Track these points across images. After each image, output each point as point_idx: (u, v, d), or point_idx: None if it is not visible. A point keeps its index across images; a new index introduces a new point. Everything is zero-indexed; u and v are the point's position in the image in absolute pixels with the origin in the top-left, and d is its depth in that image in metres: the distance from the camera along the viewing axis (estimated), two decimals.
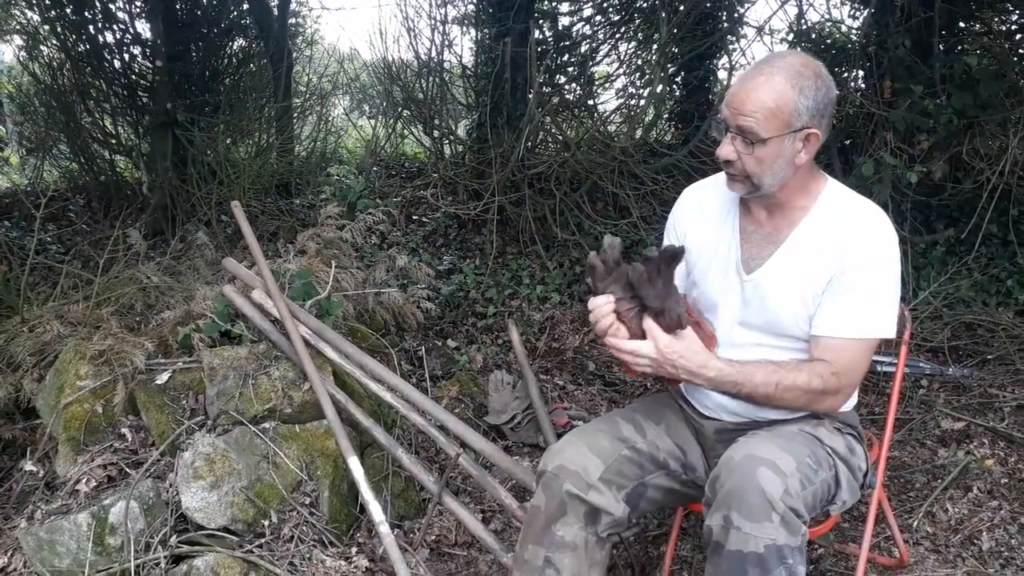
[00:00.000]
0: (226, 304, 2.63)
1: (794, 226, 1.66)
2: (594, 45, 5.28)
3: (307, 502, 2.27)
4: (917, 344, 3.49)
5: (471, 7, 5.28)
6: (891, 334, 1.61)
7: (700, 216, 1.80)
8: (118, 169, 5.50)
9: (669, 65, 5.12)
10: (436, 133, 5.03)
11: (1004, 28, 4.55)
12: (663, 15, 4.38)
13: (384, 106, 6.05)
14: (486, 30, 4.99)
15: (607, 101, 6.22)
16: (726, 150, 1.59)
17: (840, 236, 1.60)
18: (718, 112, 1.64)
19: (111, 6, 5.31)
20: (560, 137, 4.75)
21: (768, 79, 1.53)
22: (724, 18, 5.40)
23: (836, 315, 1.59)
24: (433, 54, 5.01)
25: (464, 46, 12.30)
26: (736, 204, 1.75)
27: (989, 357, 3.41)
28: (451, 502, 2.26)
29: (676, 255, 1.48)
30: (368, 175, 5.31)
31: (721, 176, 1.78)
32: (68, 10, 5.24)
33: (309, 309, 2.62)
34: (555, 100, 4.87)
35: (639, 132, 4.79)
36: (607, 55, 5.37)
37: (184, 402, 2.44)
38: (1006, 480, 2.57)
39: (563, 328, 3.86)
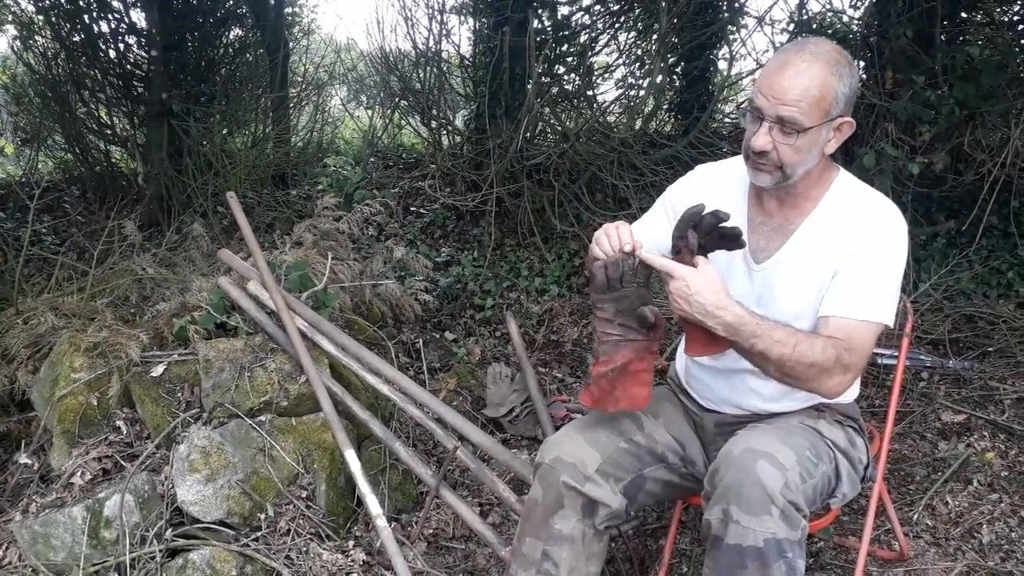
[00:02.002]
0: (222, 296, 2.61)
1: (804, 216, 1.64)
2: (593, 35, 5.24)
3: (304, 495, 2.26)
4: (918, 336, 3.47)
5: None
6: (891, 322, 1.59)
7: (709, 199, 1.76)
8: (113, 160, 5.46)
9: (669, 55, 5.09)
10: (434, 124, 5.00)
11: (1006, 19, 4.51)
12: (663, 4, 4.34)
13: (381, 96, 6.01)
14: (484, 19, 4.95)
15: (606, 91, 6.17)
16: (762, 140, 1.52)
17: (851, 225, 1.59)
18: (748, 101, 1.58)
19: None
20: (559, 128, 4.72)
21: (809, 67, 1.48)
22: (724, 8, 5.36)
23: (847, 296, 1.56)
24: (431, 44, 4.97)
25: (462, 36, 12.27)
26: (745, 193, 1.72)
27: (990, 350, 3.39)
28: (449, 495, 2.25)
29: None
30: (365, 166, 5.28)
31: (731, 162, 1.77)
32: None
33: (305, 301, 2.61)
34: (554, 90, 4.84)
35: (639, 123, 4.77)
36: (606, 45, 5.33)
37: (179, 395, 2.42)
38: (1006, 473, 2.56)
39: (562, 320, 3.84)
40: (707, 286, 1.46)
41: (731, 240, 1.50)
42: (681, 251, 1.51)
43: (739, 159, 1.69)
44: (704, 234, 1.50)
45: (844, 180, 1.66)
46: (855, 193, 1.64)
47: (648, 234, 1.85)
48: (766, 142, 1.52)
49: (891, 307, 1.57)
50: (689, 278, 1.46)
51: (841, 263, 1.58)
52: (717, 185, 1.76)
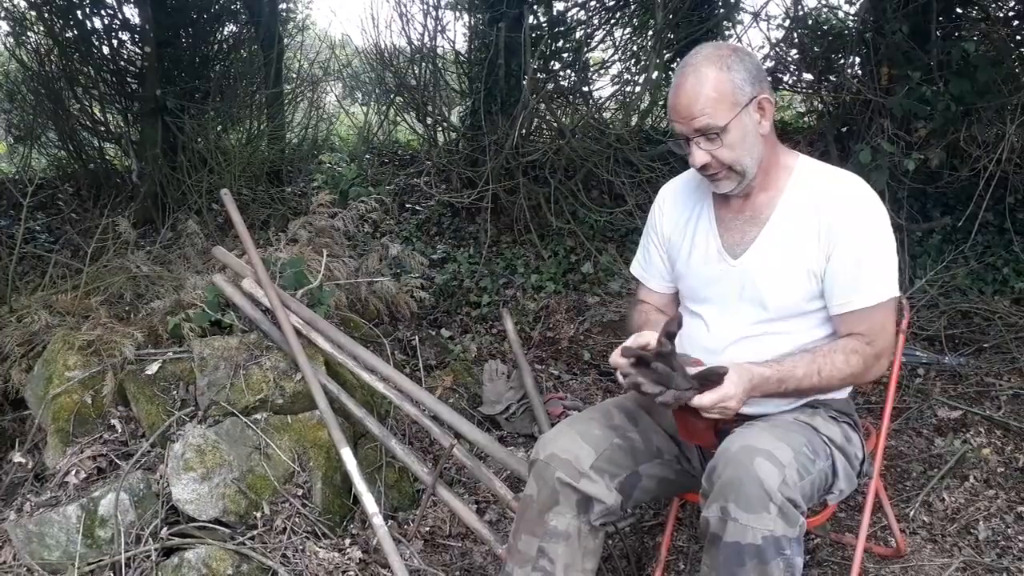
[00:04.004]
0: (216, 293, 2.60)
1: (774, 204, 1.67)
2: (589, 31, 5.22)
3: (300, 493, 2.25)
4: (914, 333, 3.47)
5: None
6: (897, 291, 1.63)
7: (675, 211, 1.83)
8: (107, 157, 5.44)
9: (665, 51, 5.07)
10: (429, 120, 4.99)
11: (1002, 14, 4.52)
12: (658, 0, 4.33)
13: (376, 93, 6.00)
14: (479, 15, 4.93)
15: (602, 88, 6.19)
16: (699, 156, 1.60)
17: (823, 206, 1.61)
18: (671, 133, 1.64)
19: None
20: (555, 124, 4.70)
21: (695, 76, 1.55)
22: (720, 4, 5.35)
23: (852, 288, 1.60)
24: (426, 40, 4.95)
25: (457, 31, 12.21)
26: (709, 197, 1.76)
27: (985, 345, 3.40)
28: (445, 493, 2.24)
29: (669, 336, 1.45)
30: (360, 163, 5.26)
31: (689, 173, 1.82)
32: None
33: (301, 298, 2.59)
34: (549, 87, 4.83)
35: (634, 119, 4.75)
36: (602, 41, 5.31)
37: (174, 393, 2.41)
38: (1002, 469, 2.56)
39: (558, 317, 3.83)
40: (740, 390, 1.48)
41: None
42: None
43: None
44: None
45: (805, 164, 1.70)
46: (819, 174, 1.67)
47: (653, 270, 1.90)
48: (702, 157, 1.60)
49: (895, 277, 1.62)
50: (731, 396, 1.46)
51: (826, 248, 1.60)
52: (682, 197, 1.83)
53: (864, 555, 1.96)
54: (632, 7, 5.23)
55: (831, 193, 1.62)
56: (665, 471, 1.76)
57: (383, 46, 5.24)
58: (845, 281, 1.60)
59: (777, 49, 4.75)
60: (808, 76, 4.88)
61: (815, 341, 1.66)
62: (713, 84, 1.54)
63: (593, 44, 5.27)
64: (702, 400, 1.47)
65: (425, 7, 4.99)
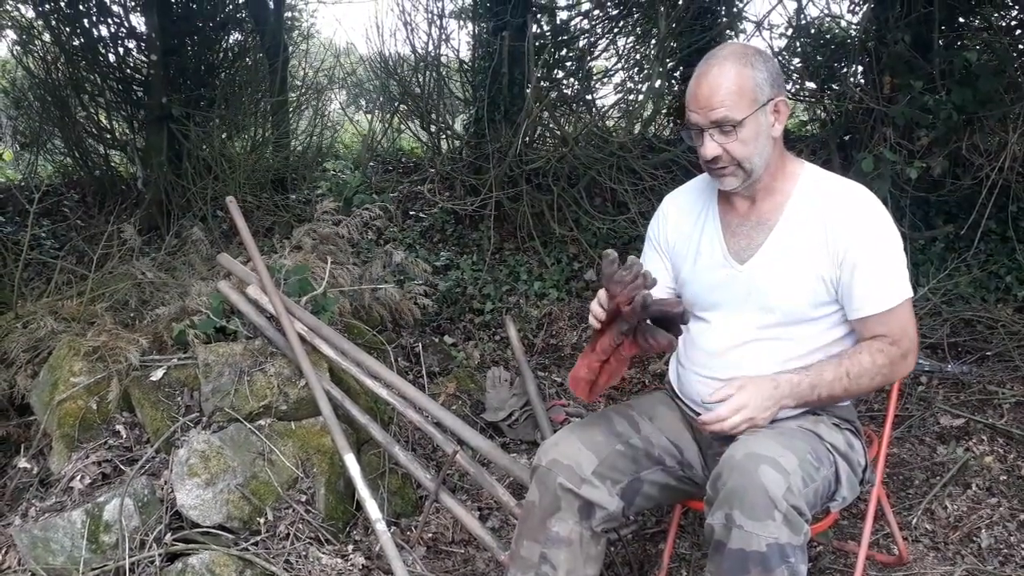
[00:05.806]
0: (221, 300, 2.61)
1: (780, 209, 1.68)
2: (592, 39, 5.25)
3: (303, 499, 2.26)
4: None
5: (468, 1, 5.25)
6: (911, 291, 1.65)
7: (680, 219, 1.84)
8: (113, 164, 5.47)
9: (667, 60, 5.09)
10: (433, 128, 5.01)
11: (1004, 24, 4.53)
12: (661, 9, 4.35)
13: (381, 101, 6.03)
14: (483, 24, 4.96)
15: (605, 96, 6.21)
16: (710, 148, 1.61)
17: (829, 213, 1.63)
18: (685, 122, 1.66)
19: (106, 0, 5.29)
20: (558, 132, 4.72)
21: (719, 70, 1.58)
22: (723, 13, 5.37)
23: (870, 293, 1.61)
24: (430, 48, 4.99)
25: (461, 40, 12.30)
26: (714, 200, 1.78)
27: (988, 354, 3.39)
28: (448, 499, 2.25)
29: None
30: (364, 170, 5.28)
31: (695, 181, 1.84)
32: (62, 3, 5.21)
33: (305, 305, 2.61)
34: (553, 95, 4.85)
35: (637, 127, 4.77)
36: (605, 50, 5.34)
37: (179, 399, 2.42)
38: (1005, 477, 2.56)
39: (561, 324, 3.84)
40: (756, 393, 1.54)
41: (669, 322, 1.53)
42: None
43: (702, 176, 1.79)
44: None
45: (810, 171, 1.72)
46: (824, 182, 1.69)
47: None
48: (714, 148, 1.61)
49: (906, 278, 1.64)
50: (748, 404, 1.53)
51: (835, 255, 1.61)
52: (686, 206, 1.84)
53: (866, 563, 1.96)
54: (635, 16, 5.26)
55: (836, 201, 1.63)
56: (667, 478, 1.77)
57: (387, 54, 5.28)
58: (859, 288, 1.61)
59: (780, 58, 4.76)
60: (811, 85, 4.89)
61: (822, 346, 1.67)
62: (735, 78, 1.57)
63: (596, 53, 5.30)
64: (720, 414, 1.52)
65: (429, 16, 5.03)
